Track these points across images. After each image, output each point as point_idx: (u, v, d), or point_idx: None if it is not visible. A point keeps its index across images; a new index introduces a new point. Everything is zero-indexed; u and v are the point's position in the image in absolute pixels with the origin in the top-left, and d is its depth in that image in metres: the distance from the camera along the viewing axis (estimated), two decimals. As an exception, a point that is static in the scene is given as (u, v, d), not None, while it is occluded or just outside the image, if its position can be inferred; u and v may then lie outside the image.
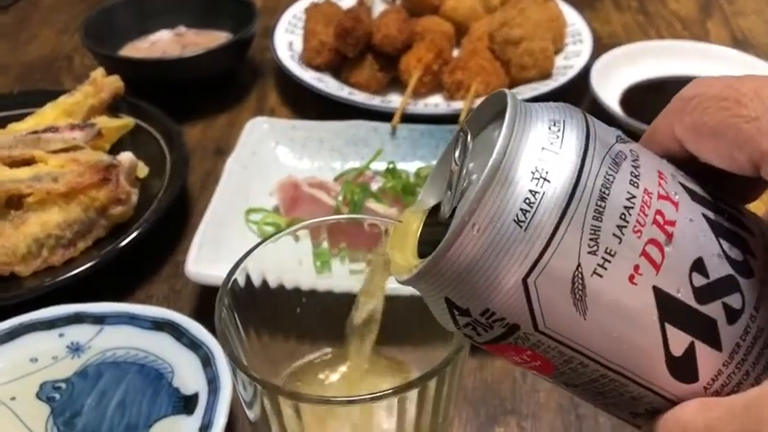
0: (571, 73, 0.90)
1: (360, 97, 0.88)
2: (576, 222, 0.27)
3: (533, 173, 0.27)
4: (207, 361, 0.56)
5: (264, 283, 0.47)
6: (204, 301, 0.66)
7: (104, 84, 0.83)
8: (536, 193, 0.27)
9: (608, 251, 0.27)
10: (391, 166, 0.75)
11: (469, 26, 0.97)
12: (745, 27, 1.09)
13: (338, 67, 0.95)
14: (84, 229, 0.68)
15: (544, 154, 0.27)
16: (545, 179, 0.27)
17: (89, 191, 0.68)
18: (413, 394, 0.37)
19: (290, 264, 0.49)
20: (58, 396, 0.56)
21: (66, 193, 0.67)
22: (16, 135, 0.74)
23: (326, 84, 0.91)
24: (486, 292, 0.28)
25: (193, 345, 0.57)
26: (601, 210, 0.27)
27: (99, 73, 0.84)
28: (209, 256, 0.63)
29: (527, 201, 0.27)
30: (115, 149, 0.78)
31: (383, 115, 0.82)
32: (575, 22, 1.00)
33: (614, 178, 0.27)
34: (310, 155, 0.79)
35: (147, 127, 0.82)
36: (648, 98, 0.91)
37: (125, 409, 0.55)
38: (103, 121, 0.78)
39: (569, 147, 0.27)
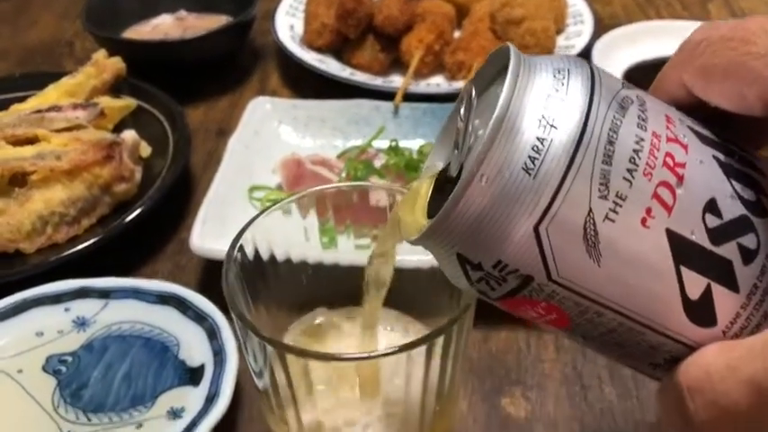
0: (572, 53, 0.90)
1: (362, 77, 0.88)
2: (585, 167, 0.27)
3: (540, 120, 0.27)
4: (213, 333, 0.56)
5: (271, 255, 0.47)
6: (209, 277, 0.66)
7: (106, 65, 0.83)
8: (543, 140, 0.27)
9: (619, 195, 0.27)
10: (394, 143, 0.75)
11: (470, 7, 0.97)
12: (746, 7, 1.09)
13: (339, 48, 0.95)
14: (88, 206, 0.68)
15: (550, 101, 0.27)
16: (552, 126, 0.27)
17: (93, 168, 0.68)
18: (420, 352, 0.37)
19: (297, 239, 0.49)
20: (64, 369, 0.56)
21: (70, 171, 0.67)
22: (19, 114, 0.74)
23: (328, 65, 0.91)
24: (498, 244, 0.28)
25: (199, 318, 0.58)
26: (609, 153, 0.27)
27: (101, 54, 0.84)
28: (213, 232, 0.63)
29: (535, 148, 0.27)
30: (118, 130, 0.78)
31: (385, 95, 0.82)
32: (575, 2, 1.00)
33: (622, 122, 0.27)
34: (312, 134, 0.79)
35: (149, 108, 0.82)
36: (650, 78, 0.91)
37: (131, 381, 0.55)
38: (106, 101, 0.78)
39: (575, 93, 0.27)
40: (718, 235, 0.28)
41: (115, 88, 0.83)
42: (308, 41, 0.95)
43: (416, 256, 0.43)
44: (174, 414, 0.52)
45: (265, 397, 0.44)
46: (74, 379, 0.55)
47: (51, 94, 0.80)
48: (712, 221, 0.28)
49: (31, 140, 0.72)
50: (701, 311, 0.29)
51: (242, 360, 0.53)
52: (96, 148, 0.69)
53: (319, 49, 0.94)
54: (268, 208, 0.46)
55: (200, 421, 0.50)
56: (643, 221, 0.27)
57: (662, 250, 0.28)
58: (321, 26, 0.93)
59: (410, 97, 0.82)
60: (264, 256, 0.47)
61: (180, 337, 0.57)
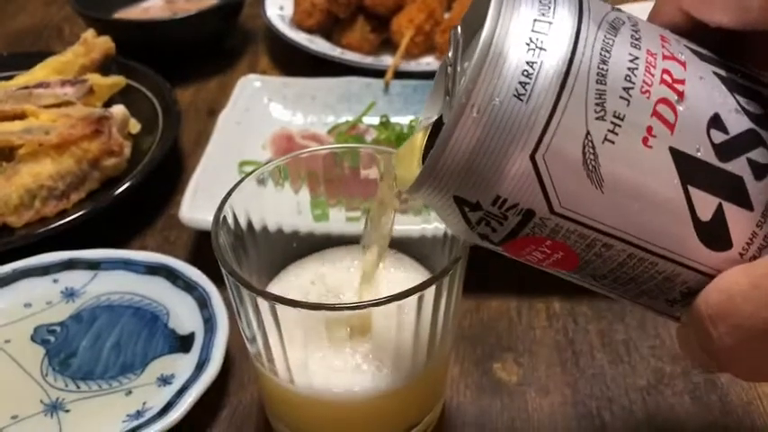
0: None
1: (352, 57, 0.88)
2: (579, 88, 0.26)
3: (528, 44, 0.26)
4: (203, 302, 0.56)
5: (261, 220, 0.47)
6: (198, 251, 0.66)
7: (95, 44, 0.82)
8: (533, 63, 0.26)
9: (616, 115, 0.26)
10: (384, 119, 0.75)
11: (461, -12, 0.97)
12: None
13: (329, 29, 0.95)
14: (76, 180, 0.68)
15: (537, 25, 0.27)
16: (541, 48, 0.26)
17: (81, 142, 0.67)
18: (412, 301, 0.37)
19: (288, 210, 0.49)
20: (52, 339, 0.56)
21: (59, 145, 0.67)
22: (6, 90, 0.74)
23: (318, 45, 0.91)
24: (495, 178, 0.27)
25: (189, 287, 0.57)
26: (603, 73, 0.26)
27: (90, 33, 0.83)
28: (203, 204, 0.63)
29: (525, 72, 0.26)
30: (106, 108, 0.77)
31: (376, 74, 0.82)
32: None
33: (614, 41, 0.27)
34: (303, 111, 0.79)
35: (138, 86, 0.81)
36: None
37: (120, 349, 0.55)
38: (95, 79, 0.78)
39: (562, 15, 0.27)
40: (725, 151, 0.27)
41: (104, 68, 0.83)
42: (298, 21, 0.94)
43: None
44: (164, 381, 0.52)
45: (258, 357, 0.44)
46: (62, 348, 0.55)
47: (39, 73, 0.79)
48: (718, 137, 0.27)
49: (19, 116, 0.71)
50: (714, 233, 0.27)
51: (232, 329, 0.53)
52: (85, 122, 0.68)
53: (309, 30, 0.94)
54: (257, 170, 0.45)
55: (189, 387, 0.50)
56: (644, 141, 0.26)
57: (667, 170, 0.27)
58: (311, 6, 0.93)
59: (401, 75, 0.82)
60: (254, 220, 0.47)
61: (169, 307, 0.57)
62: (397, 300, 0.36)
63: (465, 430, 0.50)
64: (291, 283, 0.48)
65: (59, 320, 0.57)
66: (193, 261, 0.60)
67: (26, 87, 0.74)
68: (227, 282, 0.40)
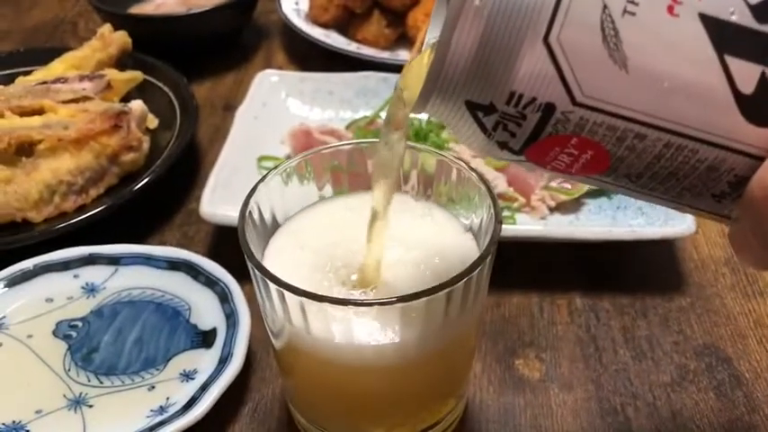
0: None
1: (369, 51, 0.88)
2: None
3: None
4: (224, 297, 0.56)
5: (287, 219, 0.47)
6: (218, 246, 0.66)
7: (112, 39, 0.82)
8: None
9: None
10: (402, 114, 0.75)
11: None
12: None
13: (345, 24, 0.94)
14: (95, 176, 0.68)
15: None
16: None
17: (100, 138, 0.67)
18: (440, 296, 0.37)
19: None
20: (74, 334, 0.56)
21: (78, 140, 0.67)
22: (25, 85, 0.74)
23: (334, 40, 0.90)
24: (507, 71, 0.24)
25: (210, 282, 0.57)
26: None
27: (107, 28, 0.83)
28: (223, 199, 0.63)
29: None
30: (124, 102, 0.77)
31: (392, 69, 0.82)
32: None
33: None
34: (320, 106, 0.79)
35: (155, 81, 0.81)
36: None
37: (142, 344, 0.55)
38: (112, 74, 0.77)
39: None
40: (764, 10, 0.24)
41: (120, 63, 0.83)
42: (314, 17, 0.94)
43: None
44: (187, 376, 0.52)
45: (282, 352, 0.44)
46: (84, 343, 0.55)
47: (57, 68, 0.79)
48: None
49: (38, 112, 0.71)
50: (760, 107, 0.24)
51: (253, 325, 0.53)
52: (104, 117, 0.68)
53: (324, 25, 0.94)
54: (282, 165, 0.45)
55: (212, 382, 0.50)
56: (669, 9, 0.23)
57: (699, 39, 0.23)
58: (327, 1, 0.93)
59: (418, 70, 0.82)
60: (278, 215, 0.46)
61: (191, 302, 0.57)
62: (426, 295, 0.36)
63: (488, 427, 0.50)
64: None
65: (81, 316, 0.57)
66: (212, 256, 0.60)
67: (44, 82, 0.74)
68: (253, 276, 0.40)
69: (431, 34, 0.32)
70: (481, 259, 0.38)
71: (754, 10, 0.24)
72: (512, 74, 0.24)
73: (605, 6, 0.23)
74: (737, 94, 0.24)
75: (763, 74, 0.24)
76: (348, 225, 0.46)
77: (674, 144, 0.25)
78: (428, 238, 0.45)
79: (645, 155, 0.26)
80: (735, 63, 0.24)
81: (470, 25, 0.24)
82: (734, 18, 0.24)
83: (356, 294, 0.41)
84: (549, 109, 0.25)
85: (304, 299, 0.37)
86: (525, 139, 0.26)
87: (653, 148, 0.25)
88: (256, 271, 0.39)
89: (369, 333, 0.38)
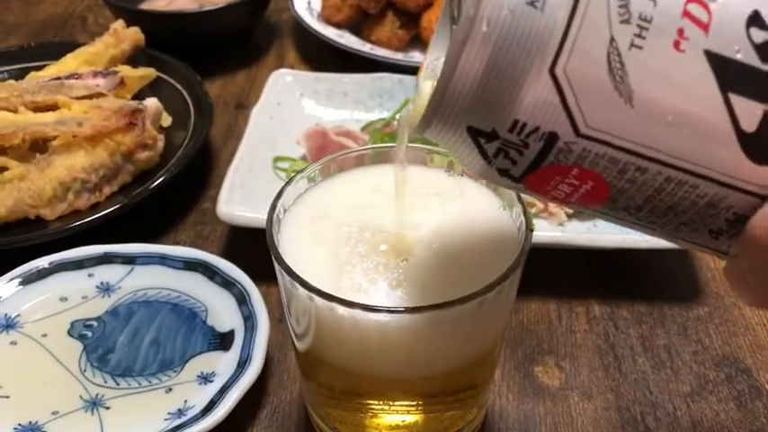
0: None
1: (383, 53, 0.87)
2: None
3: None
4: (242, 299, 0.55)
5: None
6: (232, 246, 0.66)
7: (125, 35, 0.81)
8: None
9: (643, 17, 0.23)
10: (418, 116, 0.74)
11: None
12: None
13: (358, 24, 0.94)
14: (110, 173, 0.67)
15: None
16: None
17: (115, 135, 0.67)
18: (470, 306, 0.36)
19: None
20: (89, 334, 0.55)
21: (92, 137, 0.66)
22: (39, 81, 0.73)
23: (347, 40, 0.90)
24: (512, 99, 0.24)
25: (227, 284, 0.57)
26: None
27: (119, 24, 0.83)
28: (239, 199, 0.62)
29: None
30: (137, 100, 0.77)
31: (406, 71, 0.81)
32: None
33: None
34: (335, 107, 0.79)
35: (168, 78, 0.80)
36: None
37: (159, 345, 0.54)
38: (126, 70, 0.77)
39: None
40: None
41: (132, 60, 0.82)
42: (327, 17, 0.94)
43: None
44: (205, 379, 0.51)
45: (304, 355, 0.44)
46: (100, 344, 0.54)
47: (70, 63, 0.79)
48: (759, 36, 0.24)
49: (51, 107, 0.70)
50: (761, 145, 0.24)
51: (270, 327, 0.53)
52: (119, 114, 0.67)
53: (337, 25, 0.93)
54: (308, 168, 0.45)
55: (231, 385, 0.49)
56: (676, 45, 0.24)
57: (703, 77, 0.24)
58: (340, 1, 0.92)
59: (432, 72, 0.81)
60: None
61: (208, 303, 0.56)
62: (457, 304, 0.36)
63: (508, 434, 0.50)
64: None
65: (96, 315, 0.56)
66: (227, 256, 0.59)
67: (58, 78, 0.73)
68: (280, 279, 0.40)
69: (431, 56, 0.32)
70: (512, 268, 0.38)
71: (759, 50, 0.24)
72: (516, 102, 0.24)
73: (612, 39, 0.23)
74: (740, 132, 0.24)
75: (765, 113, 0.24)
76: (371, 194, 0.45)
77: (674, 179, 0.25)
78: (464, 212, 0.44)
79: (645, 188, 0.26)
80: (738, 101, 0.24)
81: (477, 51, 0.24)
82: (739, 56, 0.24)
83: (387, 264, 0.40)
84: (551, 139, 0.25)
85: (333, 303, 0.36)
86: (526, 168, 0.26)
87: (653, 182, 0.26)
88: (285, 274, 0.38)
89: (398, 340, 0.38)
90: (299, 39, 0.98)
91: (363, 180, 0.46)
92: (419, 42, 0.91)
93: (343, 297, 0.36)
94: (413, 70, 0.81)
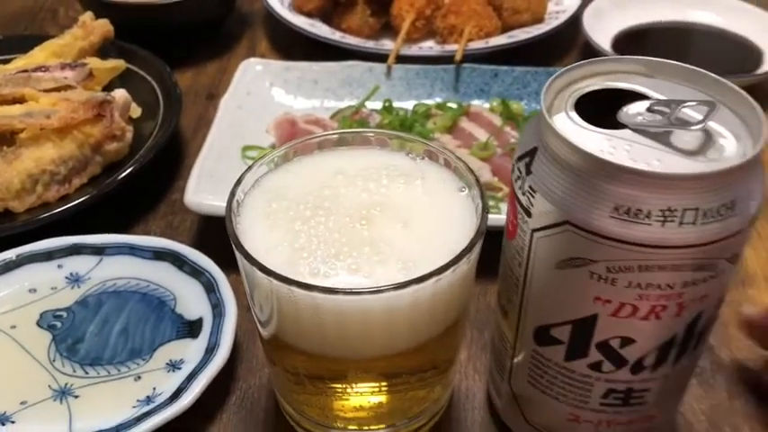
0: (563, 17, 0.90)
1: (354, 41, 0.87)
2: None
3: None
4: (210, 287, 0.56)
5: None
6: (202, 236, 0.66)
7: (94, 27, 0.81)
8: None
9: None
10: (387, 104, 0.75)
11: (461, -28, 0.96)
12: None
13: (329, 13, 0.94)
14: (78, 165, 0.67)
15: None
16: None
17: (83, 127, 0.67)
18: (426, 284, 0.37)
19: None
20: (59, 324, 0.55)
21: (60, 129, 0.66)
22: (5, 74, 0.73)
23: (318, 29, 0.90)
24: None
25: (195, 272, 0.57)
26: None
27: (88, 16, 0.82)
28: (207, 189, 0.63)
29: None
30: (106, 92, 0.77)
31: (377, 59, 0.82)
32: (565, -32, 1.00)
33: None
34: (305, 95, 0.79)
35: (137, 70, 0.80)
36: (639, 44, 0.91)
37: (128, 335, 0.54)
38: (95, 63, 0.77)
39: None
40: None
41: (102, 51, 0.82)
42: (298, 6, 0.94)
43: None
44: (173, 366, 0.52)
45: (269, 341, 0.44)
46: (69, 334, 0.55)
47: (38, 56, 0.78)
48: None
49: (18, 100, 0.70)
50: None
51: (239, 315, 0.53)
52: (87, 106, 0.67)
53: (308, 14, 0.93)
54: (267, 155, 0.45)
55: (199, 372, 0.50)
56: None
57: None
58: (311, -11, 0.92)
59: (402, 60, 0.82)
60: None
61: (176, 292, 0.57)
62: (414, 284, 0.36)
63: (474, 415, 0.50)
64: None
65: (65, 306, 0.57)
66: (197, 246, 0.59)
67: (25, 71, 0.73)
68: (241, 266, 0.40)
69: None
70: (468, 249, 0.38)
71: None
72: None
73: None
74: None
75: None
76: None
77: None
78: (424, 193, 0.44)
79: None
80: None
81: None
82: None
83: (346, 244, 0.41)
84: None
85: (292, 287, 0.37)
86: None
87: None
88: (244, 260, 0.39)
89: (357, 321, 0.39)
90: (271, 28, 0.98)
91: (324, 164, 0.46)
92: (390, 30, 0.92)
93: (301, 280, 0.37)
94: (383, 58, 0.81)
